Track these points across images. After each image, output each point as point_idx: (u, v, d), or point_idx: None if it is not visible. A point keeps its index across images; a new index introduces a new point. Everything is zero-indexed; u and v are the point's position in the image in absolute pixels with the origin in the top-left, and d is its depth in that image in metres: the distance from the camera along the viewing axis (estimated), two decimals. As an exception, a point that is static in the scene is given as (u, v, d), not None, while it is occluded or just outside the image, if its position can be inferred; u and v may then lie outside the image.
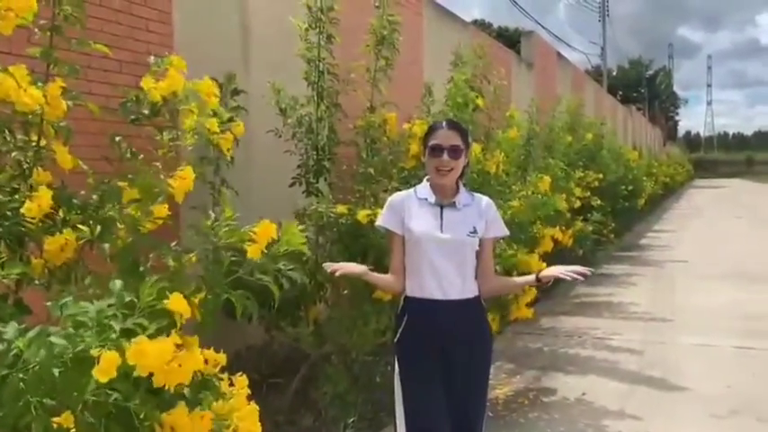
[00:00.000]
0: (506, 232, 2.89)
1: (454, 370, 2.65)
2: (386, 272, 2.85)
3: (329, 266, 2.66)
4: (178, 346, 1.56)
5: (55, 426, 1.42)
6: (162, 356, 1.49)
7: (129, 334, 1.50)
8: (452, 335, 2.65)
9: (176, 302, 1.61)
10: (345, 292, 4.15)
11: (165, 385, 1.52)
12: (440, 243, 2.64)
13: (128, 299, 1.55)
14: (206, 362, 1.79)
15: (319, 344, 4.25)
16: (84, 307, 1.51)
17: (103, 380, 1.42)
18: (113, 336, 1.45)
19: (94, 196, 2.06)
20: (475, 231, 2.69)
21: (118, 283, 1.57)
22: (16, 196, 1.99)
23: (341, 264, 2.72)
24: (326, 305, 4.37)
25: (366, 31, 4.37)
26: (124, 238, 1.89)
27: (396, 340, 2.74)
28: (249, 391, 1.86)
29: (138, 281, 1.62)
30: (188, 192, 2.02)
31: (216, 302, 1.82)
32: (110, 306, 1.53)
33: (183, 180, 1.97)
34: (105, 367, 1.41)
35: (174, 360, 1.53)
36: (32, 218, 1.92)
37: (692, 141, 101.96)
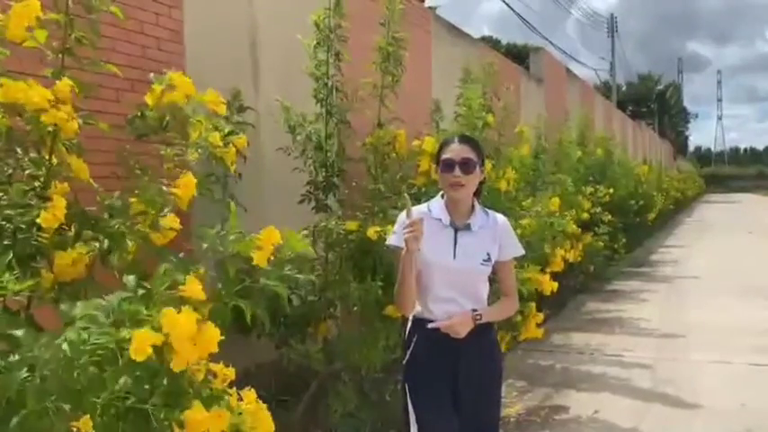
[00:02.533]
0: (522, 251, 2.82)
1: (465, 389, 2.62)
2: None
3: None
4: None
5: (74, 430, 1.42)
6: (190, 326, 1.52)
7: (145, 323, 1.52)
8: (462, 354, 2.61)
9: (192, 286, 1.62)
10: (355, 308, 4.14)
11: (174, 384, 1.53)
12: (451, 271, 2.59)
13: (142, 292, 1.57)
14: (215, 376, 1.79)
15: (329, 361, 4.23)
16: (99, 303, 1.53)
17: (141, 359, 1.44)
18: (138, 319, 1.47)
19: (105, 213, 2.08)
20: (489, 259, 2.63)
21: (131, 278, 1.58)
22: (30, 211, 2.00)
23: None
24: (336, 322, 4.36)
25: (373, 49, 4.40)
26: (134, 252, 1.90)
27: (405, 361, 2.71)
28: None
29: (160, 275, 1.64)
30: (193, 200, 2.03)
31: (225, 312, 1.82)
32: (126, 299, 1.55)
33: (186, 187, 1.98)
34: (140, 346, 1.43)
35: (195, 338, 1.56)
36: (48, 228, 1.92)
37: (702, 156, 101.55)
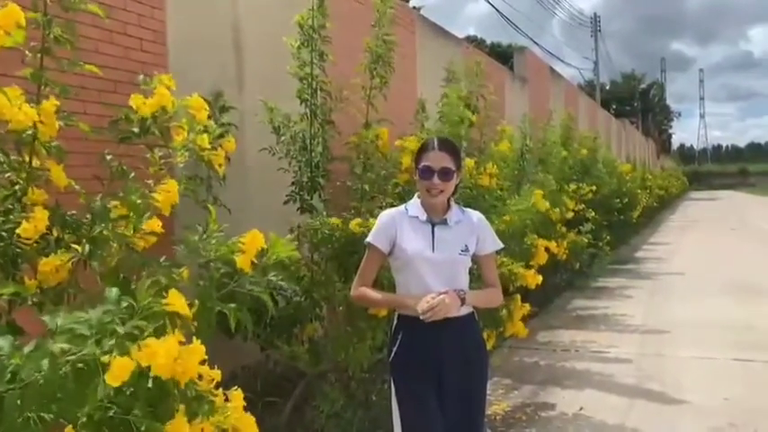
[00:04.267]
0: (500, 245, 2.89)
1: (451, 387, 2.63)
2: (381, 286, 2.86)
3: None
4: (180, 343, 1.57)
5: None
6: (171, 354, 1.50)
7: (128, 338, 1.50)
8: (447, 353, 2.63)
9: (174, 299, 1.61)
10: (341, 308, 4.14)
11: (159, 392, 1.52)
12: (431, 263, 2.63)
13: (125, 304, 1.56)
14: (201, 377, 1.78)
15: (315, 362, 4.23)
16: (81, 317, 1.51)
17: (116, 384, 1.43)
18: (115, 340, 1.46)
19: (87, 216, 2.06)
20: (467, 249, 2.69)
21: (114, 290, 1.57)
22: (10, 216, 1.99)
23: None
24: (321, 323, 4.36)
25: (359, 50, 4.40)
26: (116, 256, 1.89)
27: (390, 360, 2.72)
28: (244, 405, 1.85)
29: (143, 288, 1.63)
30: (175, 205, 2.02)
31: (208, 316, 1.81)
32: (108, 312, 1.53)
33: (168, 193, 1.97)
34: (118, 373, 1.42)
35: (179, 357, 1.55)
36: (28, 239, 1.91)
37: (685, 154, 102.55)
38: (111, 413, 1.47)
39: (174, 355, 1.50)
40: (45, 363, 1.38)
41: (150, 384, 1.55)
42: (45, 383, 1.36)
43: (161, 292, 1.61)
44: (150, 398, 1.54)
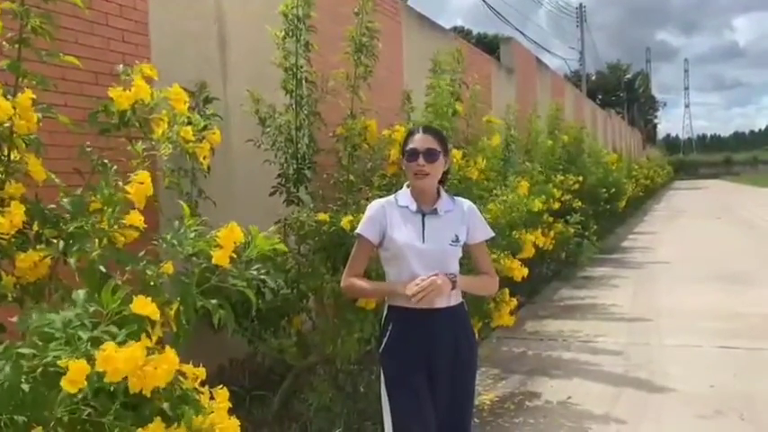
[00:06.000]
0: (491, 234, 2.88)
1: (440, 378, 2.63)
2: (370, 279, 2.86)
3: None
4: (150, 350, 1.52)
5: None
6: (132, 361, 1.45)
7: (97, 343, 1.46)
8: (437, 343, 2.62)
9: (141, 305, 1.57)
10: (329, 300, 4.12)
11: (141, 392, 1.49)
12: (421, 253, 2.62)
13: (93, 308, 1.52)
14: (185, 376, 1.75)
15: (303, 354, 4.21)
16: (50, 319, 1.48)
17: (73, 390, 1.38)
18: (81, 345, 1.42)
19: (68, 210, 2.02)
20: (457, 240, 2.68)
21: (81, 293, 1.54)
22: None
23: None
24: (309, 315, 4.34)
25: (344, 39, 4.36)
26: (96, 251, 1.85)
27: (380, 350, 2.72)
28: (231, 405, 1.83)
29: (108, 293, 1.58)
30: (152, 198, 1.98)
31: (189, 312, 1.78)
32: (76, 316, 1.50)
33: (141, 185, 1.93)
34: (74, 377, 1.37)
35: (148, 364, 1.50)
36: (4, 233, 1.87)
37: (671, 144, 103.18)
38: (85, 414, 1.44)
39: (137, 362, 1.46)
40: (7, 367, 1.35)
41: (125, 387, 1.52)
42: (9, 387, 1.33)
43: (130, 297, 1.57)
44: (128, 401, 1.51)
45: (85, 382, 1.38)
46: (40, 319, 1.48)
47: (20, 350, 1.38)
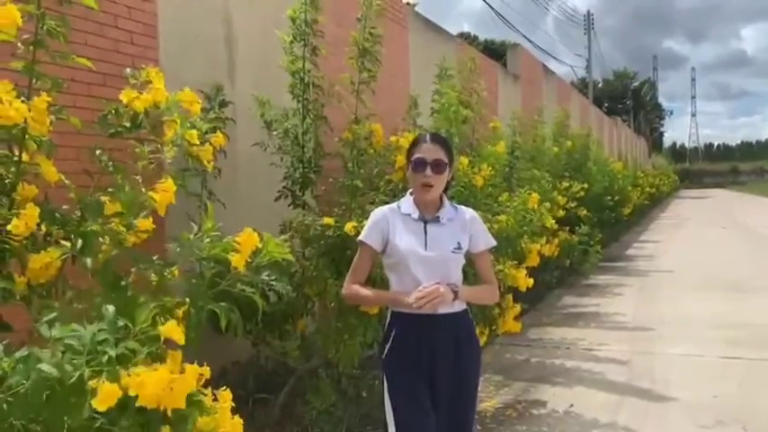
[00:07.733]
0: (493, 242, 2.89)
1: (443, 384, 2.63)
2: (374, 283, 2.86)
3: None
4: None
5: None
6: (160, 384, 1.48)
7: (120, 359, 1.48)
8: (440, 349, 2.63)
9: (172, 329, 1.59)
10: (332, 304, 4.12)
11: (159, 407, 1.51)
12: (424, 260, 2.62)
13: (121, 323, 1.53)
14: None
15: (306, 358, 4.22)
16: (76, 330, 1.49)
17: (102, 409, 1.41)
18: (106, 361, 1.44)
19: (77, 211, 2.04)
20: (459, 247, 2.68)
21: (110, 309, 1.54)
22: (0, 212, 1.96)
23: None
24: (313, 318, 4.34)
25: (349, 44, 4.38)
26: (107, 252, 1.87)
27: (383, 355, 2.72)
28: (234, 406, 1.84)
29: (121, 296, 1.59)
30: (170, 204, 2.00)
31: (199, 316, 1.79)
32: (101, 330, 1.51)
33: (165, 193, 1.95)
34: (104, 398, 1.40)
35: (170, 384, 1.53)
36: (18, 236, 1.88)
37: (677, 152, 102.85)
38: (96, 424, 1.45)
39: (163, 386, 1.48)
40: (33, 375, 1.36)
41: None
42: (32, 394, 1.34)
43: (158, 318, 1.59)
44: (139, 414, 1.53)
45: (114, 403, 1.41)
46: (65, 329, 1.48)
47: (43, 365, 1.39)
